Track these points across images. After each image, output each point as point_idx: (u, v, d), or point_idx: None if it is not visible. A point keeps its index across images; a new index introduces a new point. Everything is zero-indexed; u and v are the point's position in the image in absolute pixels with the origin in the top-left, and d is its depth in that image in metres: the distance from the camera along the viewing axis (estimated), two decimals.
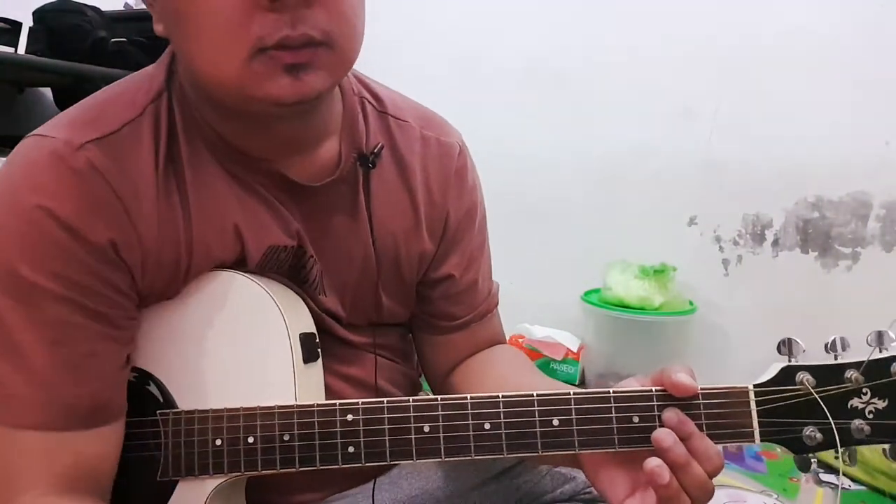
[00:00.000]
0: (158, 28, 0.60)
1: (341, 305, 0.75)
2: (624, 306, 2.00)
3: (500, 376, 0.78)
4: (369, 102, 0.74)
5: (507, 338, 0.91)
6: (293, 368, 0.63)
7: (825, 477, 1.62)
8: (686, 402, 0.58)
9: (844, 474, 1.60)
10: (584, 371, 2.14)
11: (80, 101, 0.65)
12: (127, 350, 0.62)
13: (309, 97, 0.57)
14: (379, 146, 0.71)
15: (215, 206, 0.65)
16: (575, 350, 2.13)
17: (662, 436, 0.56)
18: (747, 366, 0.78)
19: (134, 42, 1.47)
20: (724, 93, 2.05)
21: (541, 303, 2.17)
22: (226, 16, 0.52)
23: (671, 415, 0.57)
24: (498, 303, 0.87)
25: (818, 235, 2.03)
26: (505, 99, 2.24)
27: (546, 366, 2.10)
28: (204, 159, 0.65)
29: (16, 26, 1.44)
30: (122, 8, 1.69)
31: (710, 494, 0.57)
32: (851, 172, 1.96)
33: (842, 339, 0.58)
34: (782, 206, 2.06)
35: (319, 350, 0.69)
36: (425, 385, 0.91)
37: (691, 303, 2.06)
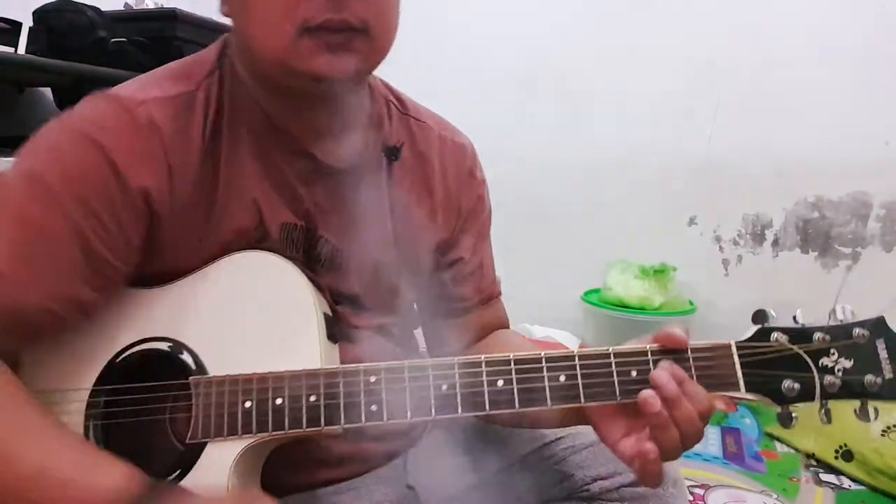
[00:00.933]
0: (224, 9, 0.68)
1: (359, 286, 0.78)
2: (624, 306, 2.00)
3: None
4: (394, 104, 0.82)
5: None
6: (319, 341, 0.66)
7: (825, 477, 1.62)
8: (677, 356, 0.63)
9: (842, 473, 1.61)
10: None
11: (138, 77, 0.72)
12: (89, 296, 0.64)
13: (344, 74, 0.65)
14: (401, 143, 0.80)
15: (242, 181, 0.70)
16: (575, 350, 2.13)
17: (657, 373, 0.62)
18: None
19: (134, 42, 1.48)
20: (724, 93, 2.05)
21: (541, 303, 2.17)
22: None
23: (665, 363, 0.63)
24: (500, 292, 0.93)
25: (818, 235, 2.03)
26: (505, 99, 2.24)
27: None
28: (241, 137, 0.71)
29: (16, 26, 1.44)
30: (122, 8, 1.69)
31: (699, 435, 0.62)
32: (851, 172, 1.97)
33: (804, 313, 0.65)
34: (782, 206, 2.06)
35: (338, 332, 0.73)
36: None
37: (691, 303, 2.06)
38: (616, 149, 2.17)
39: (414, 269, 0.82)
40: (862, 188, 1.97)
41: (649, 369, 0.63)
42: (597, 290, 2.13)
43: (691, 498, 1.44)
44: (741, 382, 0.62)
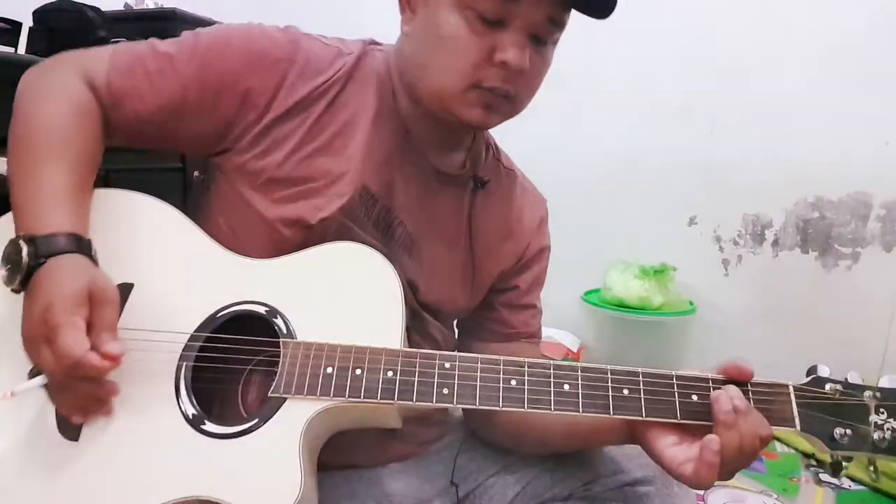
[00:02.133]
0: (405, 29, 0.78)
1: (421, 280, 0.84)
2: (624, 306, 2.00)
3: None
4: (493, 148, 0.96)
5: None
6: (402, 327, 0.72)
7: (825, 477, 1.62)
8: (738, 387, 0.67)
9: (850, 477, 1.61)
10: None
11: None
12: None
13: (487, 128, 0.84)
14: (489, 179, 0.90)
15: (349, 139, 0.79)
16: (575, 350, 2.13)
17: (729, 386, 0.66)
18: None
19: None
20: (723, 93, 2.05)
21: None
22: (467, 58, 0.72)
23: (731, 387, 0.67)
24: (541, 336, 0.99)
25: (818, 235, 2.03)
26: None
27: None
28: (367, 108, 0.81)
29: (16, 26, 1.44)
30: (122, 8, 1.69)
31: (755, 454, 0.65)
32: (851, 172, 1.97)
33: (822, 367, 0.70)
34: (782, 206, 2.06)
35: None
36: None
37: (691, 303, 2.06)
38: (616, 149, 2.17)
39: (473, 285, 0.89)
40: (862, 188, 1.97)
41: (709, 395, 0.67)
42: (597, 290, 2.13)
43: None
44: (797, 420, 0.67)
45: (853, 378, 0.69)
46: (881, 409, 0.67)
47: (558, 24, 0.77)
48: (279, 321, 0.72)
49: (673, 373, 0.68)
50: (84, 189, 0.73)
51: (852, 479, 1.60)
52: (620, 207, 2.19)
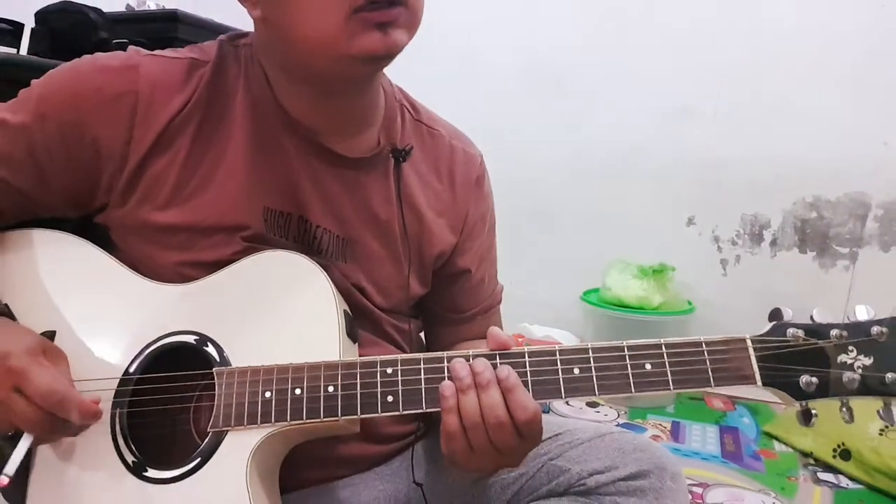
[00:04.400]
0: (255, 13, 0.68)
1: (366, 279, 0.79)
2: (623, 306, 2.00)
3: None
4: (408, 110, 0.84)
5: None
6: (339, 336, 0.68)
7: (823, 476, 1.62)
8: (691, 349, 0.64)
9: (840, 472, 1.61)
10: None
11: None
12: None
13: (395, 51, 0.67)
14: (410, 146, 0.79)
15: (233, 159, 0.72)
16: None
17: (463, 363, 0.64)
18: None
19: (136, 43, 1.47)
20: (723, 93, 2.06)
21: (541, 303, 2.18)
22: None
23: (480, 360, 0.64)
24: (500, 301, 0.94)
25: (816, 235, 2.04)
26: (505, 99, 2.25)
27: None
28: (238, 119, 0.72)
29: (18, 27, 1.45)
30: (124, 9, 1.70)
31: (500, 429, 0.61)
32: (849, 173, 1.97)
33: (821, 311, 0.64)
34: (780, 207, 2.07)
35: (357, 332, 0.74)
36: None
37: (690, 302, 2.07)
38: (615, 149, 2.17)
39: (420, 267, 0.84)
40: (860, 188, 1.98)
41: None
42: (596, 290, 2.14)
43: (689, 497, 1.44)
44: (757, 375, 0.62)
45: (819, 316, 0.63)
46: (849, 348, 0.61)
47: None
48: (210, 349, 0.69)
49: (624, 343, 0.65)
50: None
51: (850, 477, 1.60)
52: (620, 207, 2.20)
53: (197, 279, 0.71)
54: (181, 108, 0.70)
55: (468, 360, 0.64)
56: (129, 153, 0.69)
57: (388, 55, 0.67)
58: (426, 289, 0.86)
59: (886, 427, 1.56)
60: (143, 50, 0.73)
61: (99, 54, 0.71)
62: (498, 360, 0.65)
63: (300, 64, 0.69)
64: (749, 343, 0.63)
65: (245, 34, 0.77)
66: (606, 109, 2.17)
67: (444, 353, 0.66)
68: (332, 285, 0.70)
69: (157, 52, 0.73)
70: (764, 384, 0.62)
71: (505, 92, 2.25)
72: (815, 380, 0.62)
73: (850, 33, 1.91)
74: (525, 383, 0.64)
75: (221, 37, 0.77)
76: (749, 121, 2.04)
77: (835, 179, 1.99)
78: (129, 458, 0.67)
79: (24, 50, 1.48)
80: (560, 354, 0.65)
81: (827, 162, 1.98)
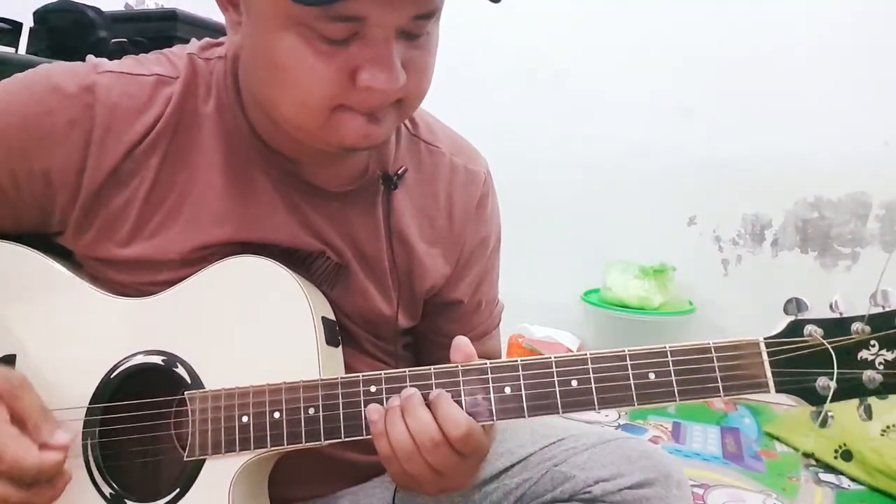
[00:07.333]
0: (234, 37, 0.61)
1: (350, 309, 0.75)
2: (624, 306, 2.00)
3: None
4: (404, 126, 0.76)
5: (507, 338, 0.92)
6: (317, 348, 0.64)
7: (824, 476, 1.62)
8: (699, 356, 0.59)
9: (842, 472, 1.61)
10: None
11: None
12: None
13: (375, 144, 0.63)
14: (403, 169, 0.73)
15: (203, 190, 0.66)
16: (575, 350, 2.13)
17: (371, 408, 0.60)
18: None
19: (135, 42, 1.47)
20: (724, 93, 2.05)
21: (541, 303, 2.17)
22: (321, 90, 0.56)
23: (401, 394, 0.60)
24: (498, 323, 0.89)
25: (817, 235, 2.03)
26: (505, 99, 2.25)
27: None
28: (210, 146, 0.66)
29: (16, 27, 1.44)
30: (123, 8, 1.69)
31: (435, 450, 0.58)
32: (851, 172, 1.97)
33: (844, 297, 0.59)
34: (782, 206, 2.06)
35: (340, 337, 0.70)
36: None
37: (691, 303, 2.07)
38: (616, 148, 2.17)
39: (409, 298, 0.79)
40: (861, 188, 1.97)
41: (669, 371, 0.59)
42: (596, 290, 2.14)
43: (692, 502, 1.44)
44: (771, 383, 0.57)
45: (843, 305, 0.57)
46: (871, 343, 0.56)
47: (428, 15, 0.57)
48: (180, 370, 0.64)
49: (626, 351, 0.60)
50: None
51: (852, 478, 1.60)
52: (620, 207, 2.20)
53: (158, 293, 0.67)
54: (144, 135, 0.64)
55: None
56: (83, 182, 0.63)
57: (370, 147, 0.64)
58: (415, 321, 0.81)
59: (888, 428, 1.55)
60: (104, 63, 0.66)
61: (56, 68, 0.65)
62: (521, 371, 0.60)
63: (280, 125, 0.64)
64: (763, 347, 0.58)
65: (218, 43, 0.70)
66: (607, 109, 2.16)
67: (432, 368, 0.61)
68: (304, 287, 0.65)
69: (122, 63, 0.66)
70: (778, 391, 0.57)
71: (505, 92, 2.24)
72: (832, 384, 0.56)
73: (851, 33, 1.91)
74: (519, 398, 0.60)
75: (191, 48, 0.70)
76: (750, 120, 2.04)
77: (836, 179, 1.99)
78: (107, 490, 0.63)
79: (22, 49, 1.48)
80: (556, 366, 0.60)
81: (828, 162, 1.98)
